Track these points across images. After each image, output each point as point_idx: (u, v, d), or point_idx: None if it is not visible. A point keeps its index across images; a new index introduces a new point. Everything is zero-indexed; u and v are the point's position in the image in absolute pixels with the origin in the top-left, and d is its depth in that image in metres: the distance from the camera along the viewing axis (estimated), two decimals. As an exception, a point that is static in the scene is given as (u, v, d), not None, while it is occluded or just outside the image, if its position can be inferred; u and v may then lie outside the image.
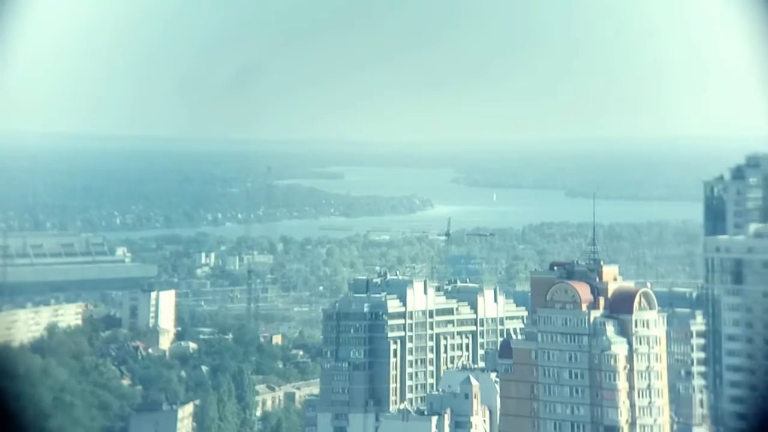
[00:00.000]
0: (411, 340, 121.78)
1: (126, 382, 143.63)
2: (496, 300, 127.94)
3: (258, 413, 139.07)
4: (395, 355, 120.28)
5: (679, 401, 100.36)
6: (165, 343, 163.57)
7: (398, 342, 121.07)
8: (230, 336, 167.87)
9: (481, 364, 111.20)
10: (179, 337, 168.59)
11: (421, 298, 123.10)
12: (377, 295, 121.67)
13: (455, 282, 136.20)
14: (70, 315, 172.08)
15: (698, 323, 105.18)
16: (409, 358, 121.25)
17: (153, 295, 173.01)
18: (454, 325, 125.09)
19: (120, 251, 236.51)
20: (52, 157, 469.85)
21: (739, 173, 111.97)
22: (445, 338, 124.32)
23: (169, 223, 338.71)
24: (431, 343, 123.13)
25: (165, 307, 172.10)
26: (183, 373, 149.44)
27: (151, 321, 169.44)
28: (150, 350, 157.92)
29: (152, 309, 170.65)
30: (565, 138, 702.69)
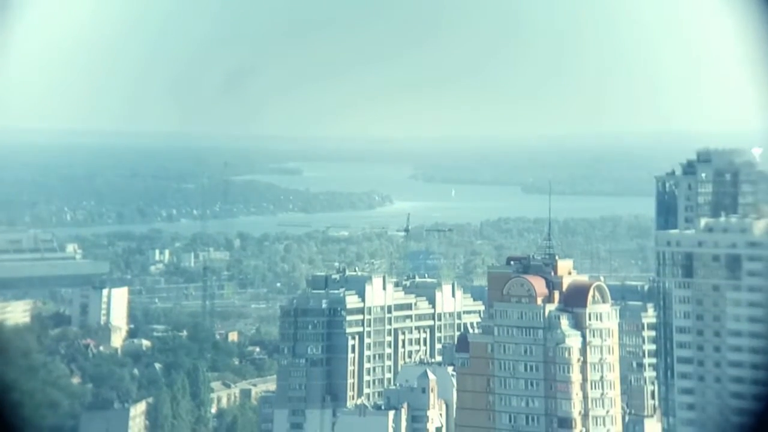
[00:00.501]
0: (369, 336, 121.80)
1: (76, 380, 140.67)
2: (453, 295, 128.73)
3: (213, 410, 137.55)
4: (353, 351, 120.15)
5: (630, 393, 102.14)
6: (117, 340, 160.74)
7: (356, 337, 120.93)
8: (185, 333, 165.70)
9: (439, 359, 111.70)
10: (132, 334, 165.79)
11: (380, 293, 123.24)
12: (336, 291, 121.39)
13: (414, 277, 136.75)
14: (18, 313, 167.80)
15: (649, 316, 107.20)
16: (367, 353, 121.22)
17: (105, 292, 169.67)
18: (412, 320, 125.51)
19: (70, 248, 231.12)
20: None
21: (690, 168, 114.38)
22: (403, 333, 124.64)
23: (122, 219, 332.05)
24: (389, 338, 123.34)
25: (117, 304, 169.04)
26: (135, 371, 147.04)
27: (103, 318, 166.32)
28: (101, 348, 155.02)
29: (104, 306, 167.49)
30: (518, 135, 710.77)
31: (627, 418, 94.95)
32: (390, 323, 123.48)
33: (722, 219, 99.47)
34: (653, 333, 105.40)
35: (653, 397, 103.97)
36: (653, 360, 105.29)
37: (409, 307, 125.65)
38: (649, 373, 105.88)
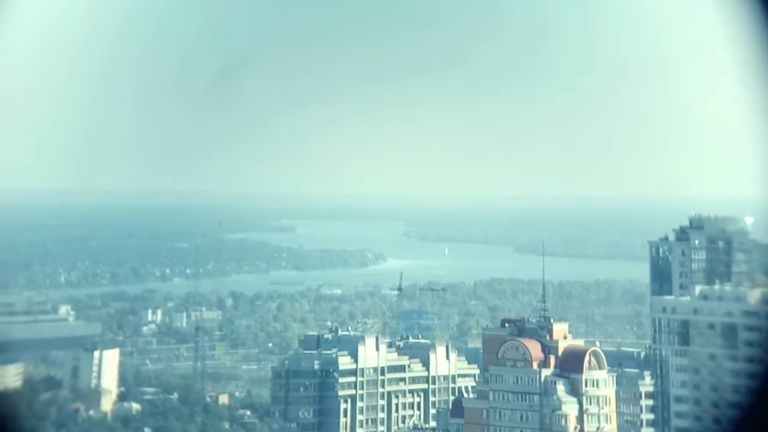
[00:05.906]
0: (362, 399, 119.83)
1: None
2: (448, 357, 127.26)
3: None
4: (345, 415, 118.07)
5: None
6: (107, 404, 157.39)
7: (348, 401, 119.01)
8: (175, 396, 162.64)
9: (433, 424, 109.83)
10: (122, 397, 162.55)
11: (373, 354, 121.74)
12: (328, 352, 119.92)
13: (407, 338, 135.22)
14: (9, 377, 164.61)
15: (647, 384, 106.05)
16: (359, 417, 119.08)
17: (96, 354, 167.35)
18: (405, 383, 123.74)
19: (63, 309, 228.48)
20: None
21: (683, 235, 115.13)
22: (397, 397, 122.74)
23: (116, 279, 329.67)
24: (382, 402, 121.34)
25: (108, 366, 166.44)
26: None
27: (94, 381, 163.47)
28: (91, 412, 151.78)
29: (95, 369, 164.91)
30: (509, 195, 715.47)
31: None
32: (383, 386, 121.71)
33: (717, 287, 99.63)
34: (651, 402, 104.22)
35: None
36: (651, 430, 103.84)
37: (402, 369, 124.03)
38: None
